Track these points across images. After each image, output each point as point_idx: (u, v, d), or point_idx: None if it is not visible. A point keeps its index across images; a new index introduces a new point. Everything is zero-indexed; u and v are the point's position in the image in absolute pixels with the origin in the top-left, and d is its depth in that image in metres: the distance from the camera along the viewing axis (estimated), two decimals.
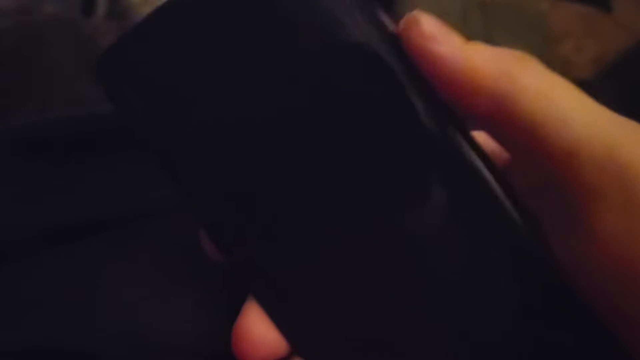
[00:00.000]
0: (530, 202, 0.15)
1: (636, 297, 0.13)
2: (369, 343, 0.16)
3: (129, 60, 0.16)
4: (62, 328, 0.19)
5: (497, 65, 0.14)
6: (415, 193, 0.15)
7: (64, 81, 0.41)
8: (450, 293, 0.15)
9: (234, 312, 0.16)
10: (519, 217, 0.15)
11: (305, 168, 0.15)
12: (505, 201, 0.15)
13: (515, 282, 0.15)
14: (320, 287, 0.16)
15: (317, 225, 0.15)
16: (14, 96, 0.39)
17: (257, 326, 0.16)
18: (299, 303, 0.16)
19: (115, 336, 0.18)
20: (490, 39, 0.59)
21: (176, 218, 0.21)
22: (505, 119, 0.14)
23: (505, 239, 0.15)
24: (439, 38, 0.15)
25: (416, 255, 0.15)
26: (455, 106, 0.15)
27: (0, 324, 0.19)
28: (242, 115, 0.16)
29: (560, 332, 0.15)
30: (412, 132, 0.15)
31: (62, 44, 0.44)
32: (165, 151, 0.16)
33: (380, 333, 0.15)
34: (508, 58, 0.14)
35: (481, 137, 0.16)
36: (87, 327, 0.19)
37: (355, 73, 0.15)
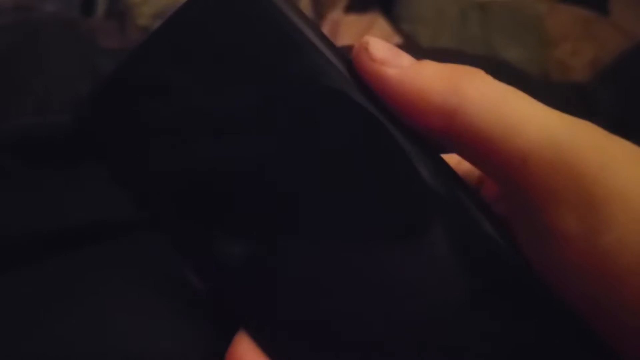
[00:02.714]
0: (502, 209, 0.16)
1: (607, 290, 0.13)
2: None
3: (113, 105, 0.16)
4: (45, 347, 0.18)
5: (444, 82, 0.14)
6: (387, 212, 0.15)
7: (63, 80, 0.41)
8: (432, 315, 0.15)
9: (227, 336, 0.16)
10: (490, 227, 0.15)
11: (283, 202, 0.15)
12: (476, 213, 0.15)
13: (491, 288, 0.15)
14: (310, 317, 0.16)
15: (303, 256, 0.16)
16: (12, 95, 0.39)
17: (248, 355, 0.16)
18: (289, 332, 0.16)
19: (101, 357, 0.18)
20: (487, 41, 0.59)
21: None
22: (458, 133, 0.14)
23: (480, 250, 0.15)
24: (388, 60, 0.15)
25: (398, 275, 0.15)
26: (415, 127, 0.15)
27: None
28: (218, 161, 0.16)
29: (541, 333, 0.15)
30: (382, 156, 0.15)
31: (61, 43, 0.44)
32: (143, 189, 0.16)
33: None
34: (454, 73, 0.15)
35: (454, 158, 0.16)
36: (71, 347, 0.18)
37: (324, 108, 0.15)
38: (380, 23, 0.58)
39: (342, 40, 0.54)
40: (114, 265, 0.20)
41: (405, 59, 0.15)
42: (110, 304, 0.19)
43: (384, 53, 0.15)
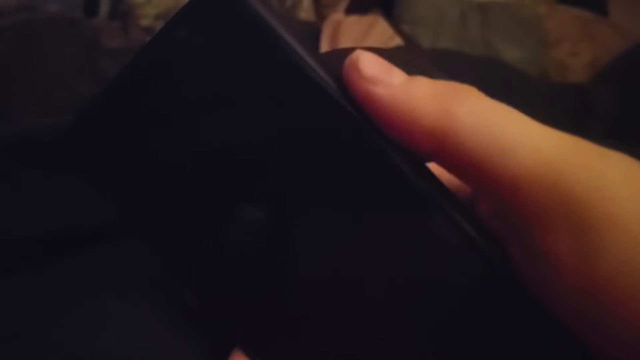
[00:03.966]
0: (494, 227, 0.15)
1: (606, 313, 0.13)
2: None
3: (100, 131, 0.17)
4: (45, 349, 0.18)
5: (435, 103, 0.14)
6: (376, 228, 0.15)
7: (65, 81, 0.41)
8: (419, 325, 0.15)
9: (224, 344, 0.16)
10: (485, 245, 0.15)
11: (275, 218, 0.16)
12: (471, 231, 0.15)
13: (486, 306, 0.15)
14: (305, 335, 0.16)
15: (296, 273, 0.16)
16: (14, 96, 0.39)
17: None
18: (284, 351, 0.16)
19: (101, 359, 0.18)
20: (487, 42, 0.59)
21: None
22: (449, 155, 0.14)
23: (474, 267, 0.15)
24: (378, 79, 0.14)
25: (389, 289, 0.15)
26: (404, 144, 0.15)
27: None
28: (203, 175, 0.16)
29: (528, 344, 0.15)
30: (372, 173, 0.15)
31: (64, 43, 0.44)
32: (136, 213, 0.17)
33: None
34: (446, 93, 0.14)
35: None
36: (71, 348, 0.18)
37: (313, 120, 0.15)
38: (381, 24, 0.58)
39: (342, 41, 0.54)
40: (115, 267, 0.20)
41: (396, 76, 0.14)
42: (111, 307, 0.19)
43: (373, 70, 0.14)
